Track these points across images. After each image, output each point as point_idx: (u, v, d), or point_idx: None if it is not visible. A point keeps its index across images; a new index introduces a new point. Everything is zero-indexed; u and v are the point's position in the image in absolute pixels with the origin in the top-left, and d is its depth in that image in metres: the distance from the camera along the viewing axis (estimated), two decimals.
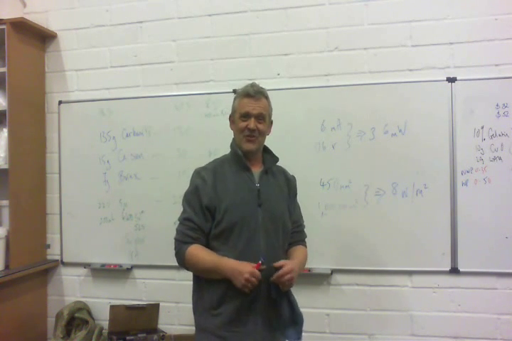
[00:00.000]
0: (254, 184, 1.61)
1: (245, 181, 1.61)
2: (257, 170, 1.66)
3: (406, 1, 2.31)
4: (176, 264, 1.62)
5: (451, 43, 2.26)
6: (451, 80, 2.23)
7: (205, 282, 1.59)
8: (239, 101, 1.63)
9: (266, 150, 1.72)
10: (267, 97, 1.64)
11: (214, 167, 1.65)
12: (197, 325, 1.64)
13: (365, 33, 2.35)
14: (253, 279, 1.44)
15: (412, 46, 2.31)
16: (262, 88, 1.64)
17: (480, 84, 2.20)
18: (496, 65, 2.21)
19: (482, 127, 2.20)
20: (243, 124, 1.59)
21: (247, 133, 1.60)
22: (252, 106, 1.59)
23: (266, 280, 1.51)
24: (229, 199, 1.57)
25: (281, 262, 1.52)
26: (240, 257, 1.52)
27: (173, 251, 1.62)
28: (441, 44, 2.27)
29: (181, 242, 1.59)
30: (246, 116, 1.59)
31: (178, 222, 1.64)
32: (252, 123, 1.58)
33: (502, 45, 2.21)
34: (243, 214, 1.56)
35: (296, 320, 1.57)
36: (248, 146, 1.61)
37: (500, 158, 2.18)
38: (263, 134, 1.64)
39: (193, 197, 1.60)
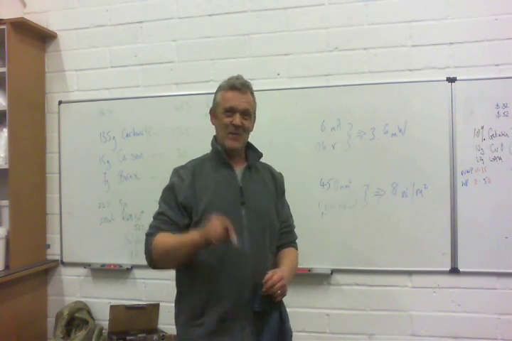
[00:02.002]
0: (237, 181, 1.52)
1: (226, 179, 1.51)
2: (239, 167, 1.56)
3: (406, 1, 2.31)
4: None
5: (451, 43, 2.26)
6: (451, 80, 2.23)
7: (186, 291, 1.50)
8: (223, 94, 1.52)
9: (249, 147, 1.62)
10: (252, 92, 1.55)
11: (193, 166, 1.56)
12: (178, 336, 1.54)
13: (365, 33, 2.35)
14: (222, 221, 1.31)
15: (412, 46, 2.30)
16: (247, 81, 1.54)
17: (480, 84, 2.20)
18: (496, 65, 2.21)
19: (482, 127, 2.20)
20: (227, 120, 1.49)
21: (231, 129, 1.49)
22: (237, 101, 1.48)
23: (253, 288, 1.43)
24: (208, 199, 1.47)
25: (268, 275, 1.40)
26: (222, 260, 1.43)
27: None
28: (441, 44, 2.27)
29: (150, 235, 1.47)
30: (230, 111, 1.49)
31: None
32: (237, 119, 1.48)
33: (502, 45, 2.21)
34: (224, 213, 1.41)
35: (285, 334, 1.48)
36: (232, 144, 1.51)
37: (500, 158, 2.18)
38: (248, 131, 1.55)
39: (168, 194, 1.52)
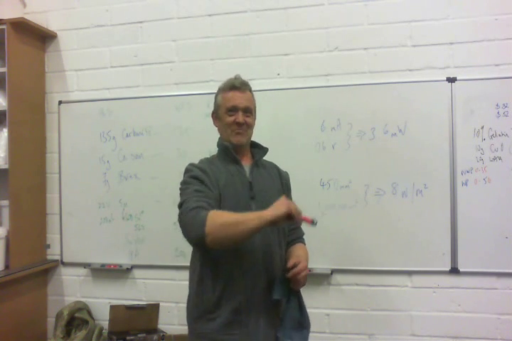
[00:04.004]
0: (245, 176, 1.55)
1: (236, 174, 1.54)
2: (247, 164, 1.59)
3: (406, 1, 2.31)
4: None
5: (451, 43, 2.26)
6: (451, 80, 2.23)
7: (200, 286, 1.51)
8: (223, 95, 1.56)
9: (253, 145, 1.66)
10: (251, 90, 1.59)
11: (205, 163, 1.58)
12: (191, 331, 1.55)
13: (365, 33, 2.35)
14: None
15: (412, 46, 2.31)
16: (245, 80, 1.58)
17: (480, 84, 2.20)
18: (496, 65, 2.21)
19: (482, 127, 2.20)
20: (230, 119, 1.53)
21: (235, 127, 1.54)
22: (238, 100, 1.53)
23: (267, 278, 1.48)
24: (220, 193, 1.48)
25: (293, 260, 1.45)
26: (234, 255, 1.45)
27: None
28: (441, 44, 2.27)
29: (201, 208, 1.36)
30: (233, 110, 1.53)
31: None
32: (240, 116, 1.52)
33: (502, 45, 2.21)
34: (235, 207, 1.45)
35: (303, 323, 1.50)
36: (238, 140, 1.55)
37: (500, 158, 2.18)
38: (251, 127, 1.59)
39: (195, 181, 1.47)
